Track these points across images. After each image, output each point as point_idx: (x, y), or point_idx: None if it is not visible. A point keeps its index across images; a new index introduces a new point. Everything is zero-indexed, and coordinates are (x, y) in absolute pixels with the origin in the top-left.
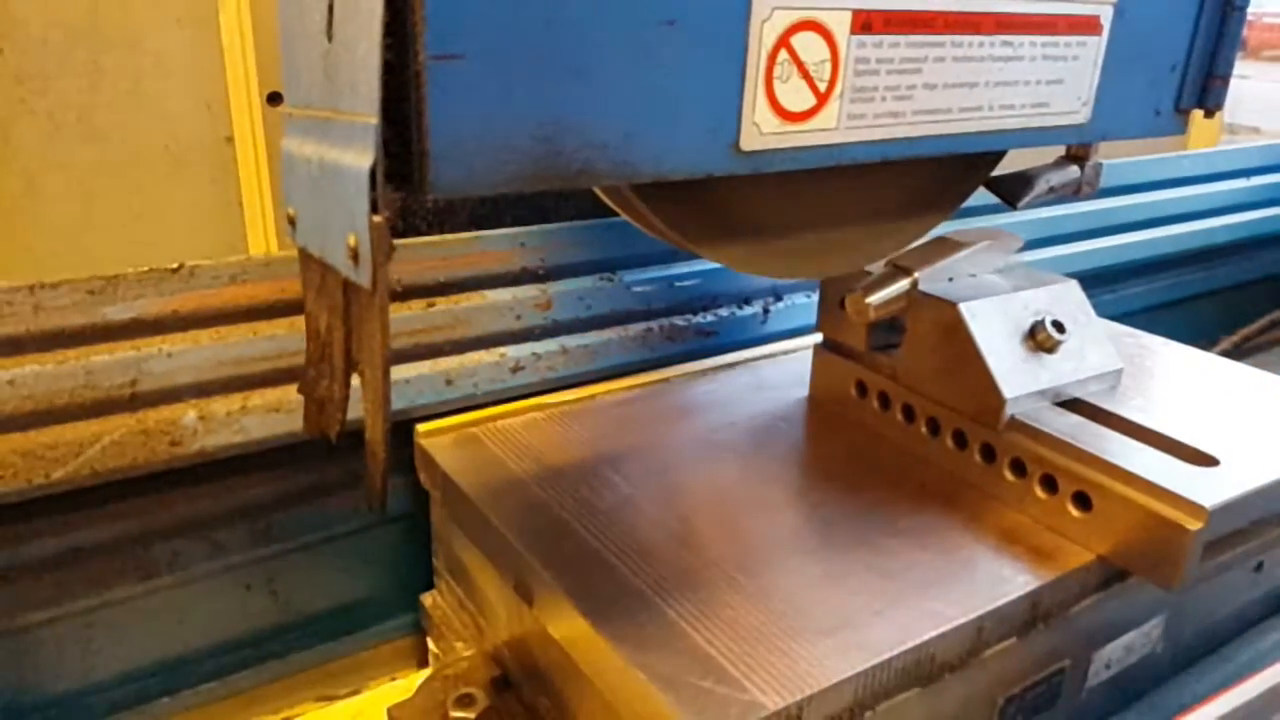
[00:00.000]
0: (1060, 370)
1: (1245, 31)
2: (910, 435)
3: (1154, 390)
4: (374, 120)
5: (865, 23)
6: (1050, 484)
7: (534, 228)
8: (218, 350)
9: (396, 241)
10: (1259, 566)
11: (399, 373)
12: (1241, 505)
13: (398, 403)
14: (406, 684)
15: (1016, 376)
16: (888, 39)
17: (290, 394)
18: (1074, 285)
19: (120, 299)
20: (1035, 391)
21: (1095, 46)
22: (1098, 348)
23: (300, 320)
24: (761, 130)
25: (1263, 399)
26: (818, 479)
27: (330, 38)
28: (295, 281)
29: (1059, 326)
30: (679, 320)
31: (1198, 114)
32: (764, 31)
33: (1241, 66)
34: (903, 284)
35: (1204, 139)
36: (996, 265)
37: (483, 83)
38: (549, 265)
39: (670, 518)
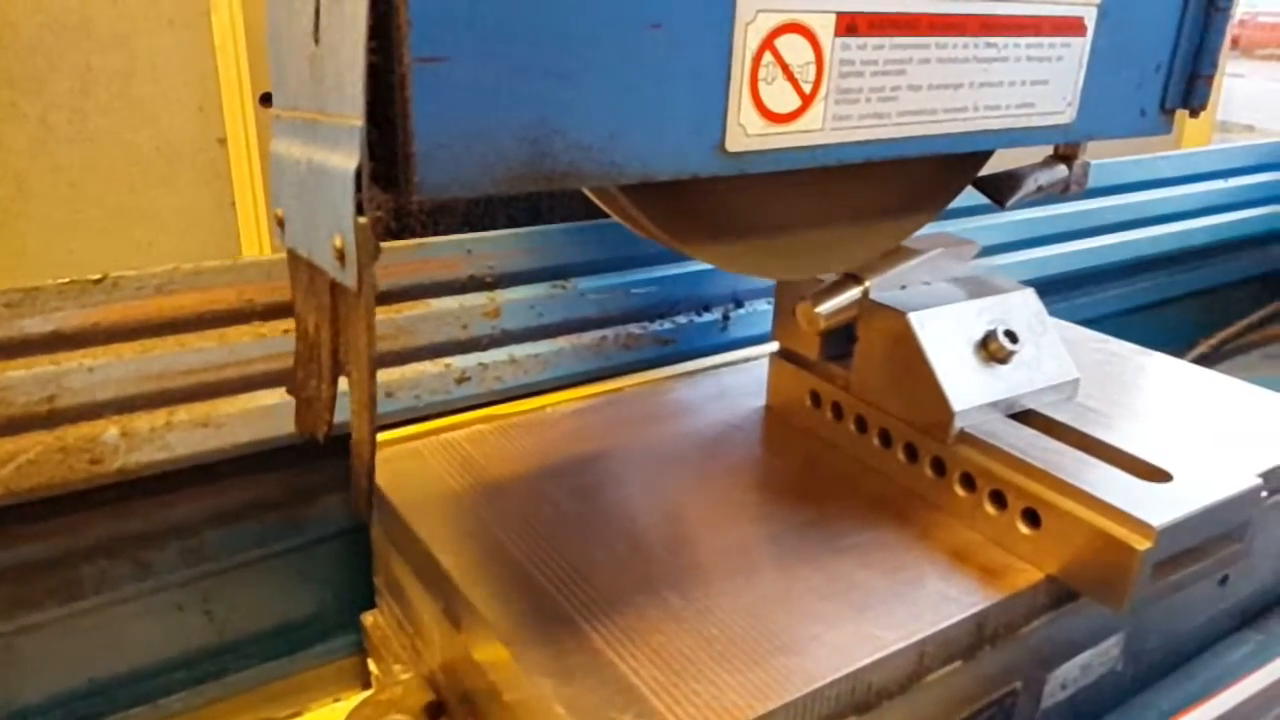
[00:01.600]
0: (1013, 381)
1: (1239, 30)
2: (863, 447)
3: (1115, 400)
4: (359, 122)
5: (850, 25)
6: (999, 499)
7: (482, 234)
8: (142, 364)
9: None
10: (1224, 580)
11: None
12: (1193, 524)
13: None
14: (348, 705)
15: (967, 388)
16: (872, 41)
17: (219, 408)
18: (1030, 293)
19: (39, 311)
20: (987, 403)
21: (1080, 47)
22: (1054, 357)
23: (231, 332)
24: (747, 131)
25: (1230, 408)
26: (769, 493)
27: (317, 40)
28: (226, 291)
29: (1012, 336)
30: (635, 328)
31: (1190, 116)
32: (748, 34)
33: (1236, 65)
34: (853, 293)
35: (1197, 137)
36: (952, 273)
37: (467, 85)
38: (498, 272)
39: (612, 536)
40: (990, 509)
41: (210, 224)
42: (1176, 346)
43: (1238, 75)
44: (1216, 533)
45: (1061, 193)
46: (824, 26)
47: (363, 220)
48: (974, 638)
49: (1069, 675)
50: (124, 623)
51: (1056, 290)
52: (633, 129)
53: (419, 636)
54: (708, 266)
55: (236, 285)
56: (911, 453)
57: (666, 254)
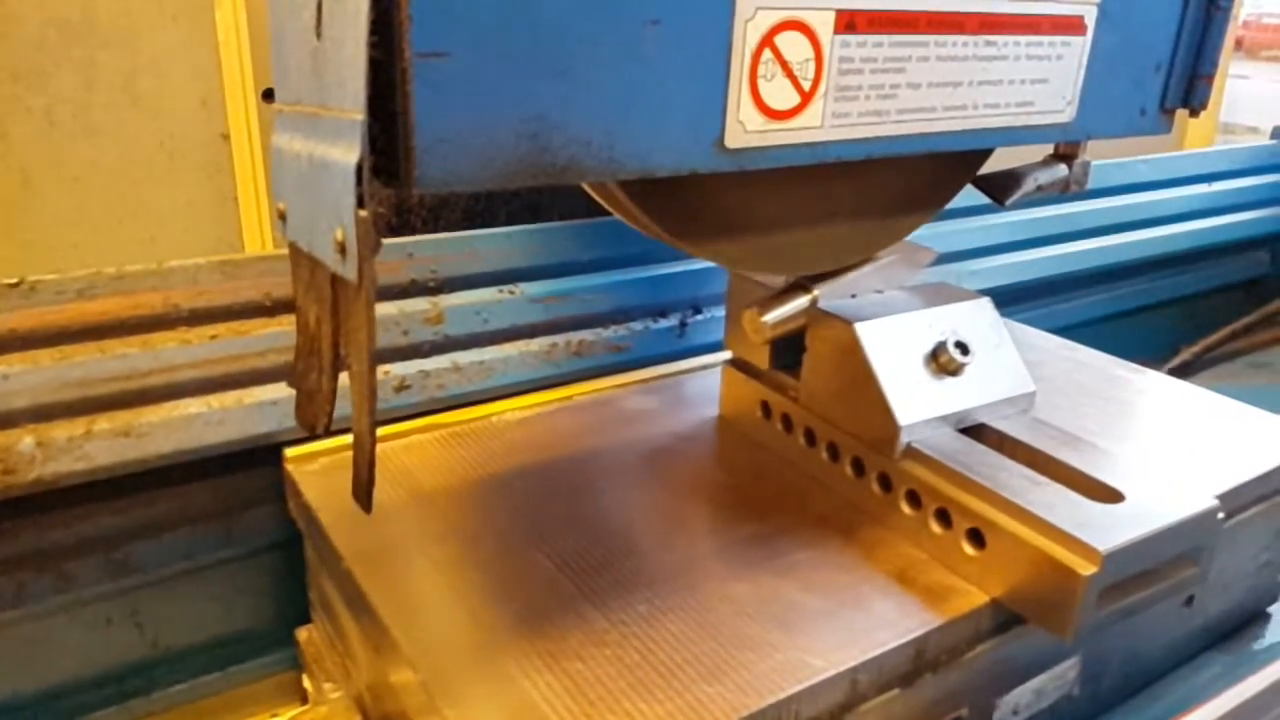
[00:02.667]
0: (965, 394)
1: (1243, 32)
2: (812, 461)
3: (1077, 414)
4: (360, 116)
5: (849, 22)
6: (945, 518)
7: (424, 237)
8: (60, 371)
9: (258, 253)
10: (1189, 600)
11: (264, 394)
12: (1143, 547)
13: (262, 426)
14: None
15: (915, 401)
16: (871, 38)
17: (142, 417)
18: (986, 303)
19: None
20: (936, 417)
21: (1080, 46)
22: (1009, 369)
23: (156, 338)
24: (746, 128)
25: (1200, 422)
26: (713, 507)
27: (319, 35)
28: (151, 296)
29: (963, 347)
30: (587, 334)
31: (1190, 115)
32: (748, 31)
33: (1240, 66)
34: (801, 301)
35: (1199, 139)
36: (907, 280)
37: (468, 80)
38: (441, 277)
39: (541, 554)
40: (936, 528)
41: (213, 218)
42: (1158, 354)
43: (1241, 77)
44: (1171, 556)
45: (1061, 192)
46: (823, 24)
47: (363, 213)
48: (913, 664)
49: (1021, 700)
50: (48, 636)
51: (1034, 296)
52: (632, 125)
53: (348, 655)
54: (663, 271)
55: (162, 290)
56: (859, 467)
57: (621, 259)
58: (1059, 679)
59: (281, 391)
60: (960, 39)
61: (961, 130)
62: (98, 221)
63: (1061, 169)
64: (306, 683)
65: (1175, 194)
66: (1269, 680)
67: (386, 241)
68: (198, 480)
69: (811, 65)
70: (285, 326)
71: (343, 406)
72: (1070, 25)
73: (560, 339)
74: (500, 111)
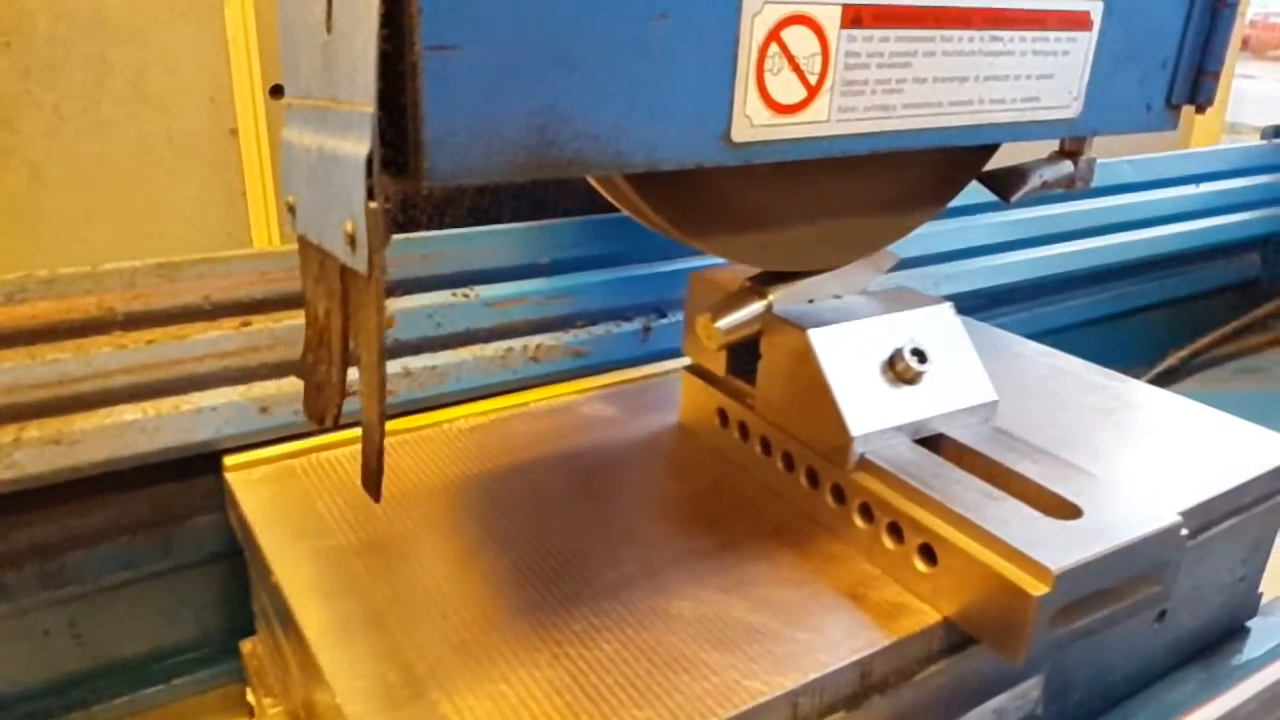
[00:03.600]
0: (922, 404)
1: (1250, 31)
2: (768, 471)
3: (1045, 423)
4: (371, 109)
5: (855, 17)
6: (897, 533)
7: None
8: None
9: (198, 256)
10: (1161, 615)
11: (202, 400)
12: (1099, 567)
13: (200, 433)
14: None
15: (869, 411)
16: (878, 33)
17: (74, 424)
18: (947, 308)
19: None
20: (891, 427)
21: (1086, 42)
22: (970, 377)
23: (89, 343)
24: (753, 122)
25: (1176, 432)
26: (666, 519)
27: (329, 29)
28: (84, 300)
29: (920, 355)
30: (546, 339)
31: (1196, 112)
32: (755, 25)
33: (1246, 66)
34: (755, 307)
35: (1206, 137)
36: (867, 285)
37: (477, 73)
38: (392, 279)
39: (483, 570)
40: (888, 543)
41: (221, 213)
42: (1148, 358)
43: (1248, 77)
44: (1130, 574)
45: (1067, 189)
46: (830, 18)
47: (374, 205)
48: (858, 686)
49: None
50: None
51: (1017, 299)
52: (638, 118)
53: (286, 670)
54: (626, 274)
55: (96, 293)
56: (813, 478)
57: (582, 261)
58: (1021, 698)
59: (220, 398)
60: (966, 34)
61: (967, 125)
62: (107, 216)
63: (1067, 165)
64: (250, 696)
65: (1164, 195)
66: (1244, 696)
67: None
68: (135, 489)
69: (818, 59)
70: (225, 330)
71: (280, 415)
72: (1076, 21)
73: (517, 343)
74: (509, 104)
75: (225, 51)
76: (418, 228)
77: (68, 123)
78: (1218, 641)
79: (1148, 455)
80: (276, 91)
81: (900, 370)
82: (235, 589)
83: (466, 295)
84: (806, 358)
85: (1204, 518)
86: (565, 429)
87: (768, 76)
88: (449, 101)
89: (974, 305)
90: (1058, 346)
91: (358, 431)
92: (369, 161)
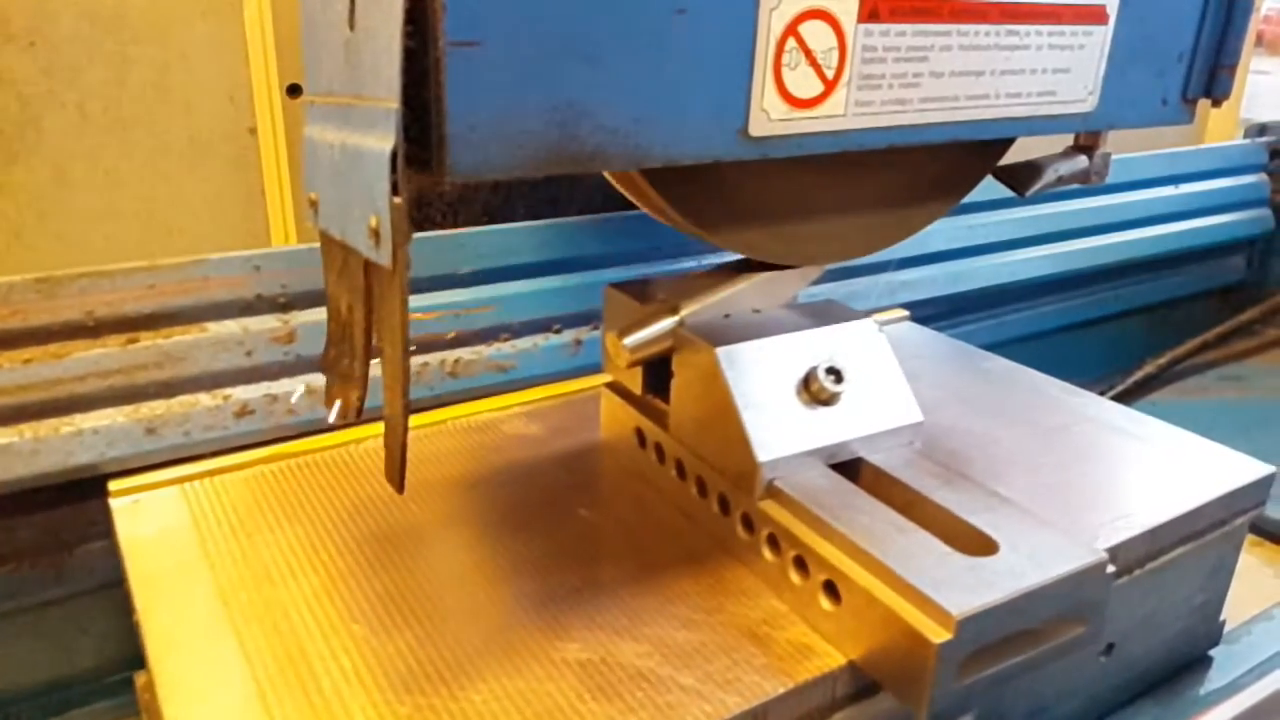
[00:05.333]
0: (839, 426)
1: (1265, 27)
2: (683, 495)
3: (983, 443)
4: (395, 105)
5: (872, 11)
6: (803, 566)
7: (272, 250)
8: None
9: (78, 270)
10: (1108, 649)
11: (85, 422)
12: (1009, 610)
13: (82, 456)
14: None
15: (780, 435)
16: (895, 27)
17: None
18: (869, 324)
19: None
20: (803, 452)
21: (1102, 36)
22: (893, 397)
23: (13, 354)
24: (770, 116)
25: (1130, 451)
26: (573, 546)
27: (352, 26)
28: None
29: (836, 374)
30: (466, 353)
31: (1211, 107)
32: (772, 20)
33: (1260, 62)
34: (665, 323)
35: (1221, 132)
36: (788, 298)
37: (499, 69)
38: (293, 292)
39: (363, 609)
40: (795, 577)
41: (240, 211)
42: (1125, 365)
43: (1263, 72)
44: (1049, 616)
45: (1082, 184)
46: (847, 12)
47: (398, 200)
48: None
49: None
50: None
51: (988, 305)
52: (657, 113)
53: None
54: (556, 284)
55: None
56: (725, 505)
57: (507, 270)
58: None
59: (102, 419)
60: (983, 28)
61: (983, 119)
62: (129, 214)
63: (1082, 160)
64: None
65: (1142, 196)
66: None
67: (225, 255)
68: (17, 515)
69: (835, 54)
70: (110, 348)
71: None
72: (1092, 15)
73: (433, 358)
74: (531, 99)
75: (244, 50)
76: (433, 225)
77: (90, 121)
78: (1176, 673)
79: (1097, 476)
80: (294, 91)
81: (815, 391)
82: (130, 619)
83: None
84: (715, 377)
85: (1156, 543)
86: (482, 449)
87: (785, 71)
88: (472, 97)
89: (935, 313)
90: (1028, 354)
91: (256, 453)
92: (393, 157)
